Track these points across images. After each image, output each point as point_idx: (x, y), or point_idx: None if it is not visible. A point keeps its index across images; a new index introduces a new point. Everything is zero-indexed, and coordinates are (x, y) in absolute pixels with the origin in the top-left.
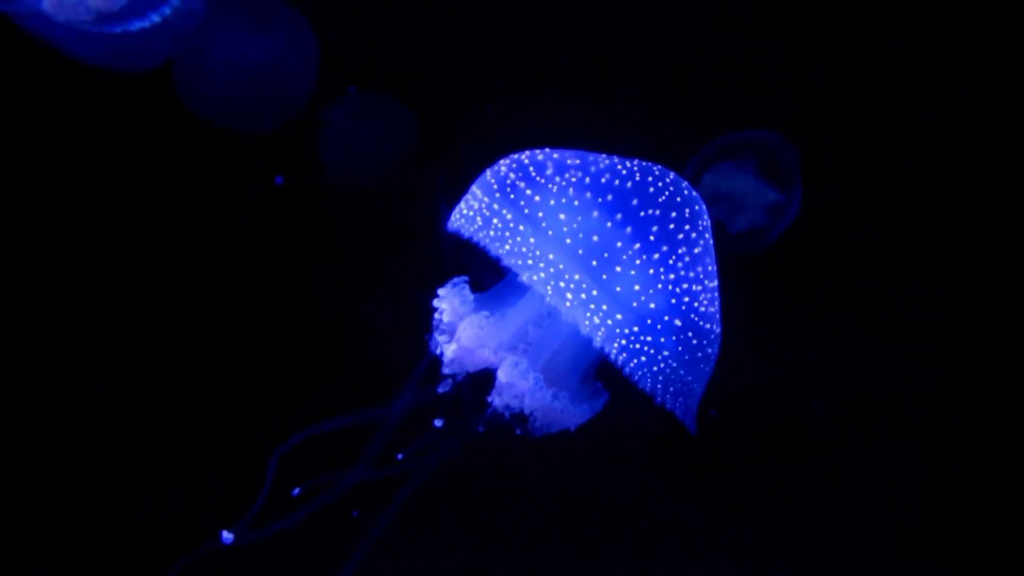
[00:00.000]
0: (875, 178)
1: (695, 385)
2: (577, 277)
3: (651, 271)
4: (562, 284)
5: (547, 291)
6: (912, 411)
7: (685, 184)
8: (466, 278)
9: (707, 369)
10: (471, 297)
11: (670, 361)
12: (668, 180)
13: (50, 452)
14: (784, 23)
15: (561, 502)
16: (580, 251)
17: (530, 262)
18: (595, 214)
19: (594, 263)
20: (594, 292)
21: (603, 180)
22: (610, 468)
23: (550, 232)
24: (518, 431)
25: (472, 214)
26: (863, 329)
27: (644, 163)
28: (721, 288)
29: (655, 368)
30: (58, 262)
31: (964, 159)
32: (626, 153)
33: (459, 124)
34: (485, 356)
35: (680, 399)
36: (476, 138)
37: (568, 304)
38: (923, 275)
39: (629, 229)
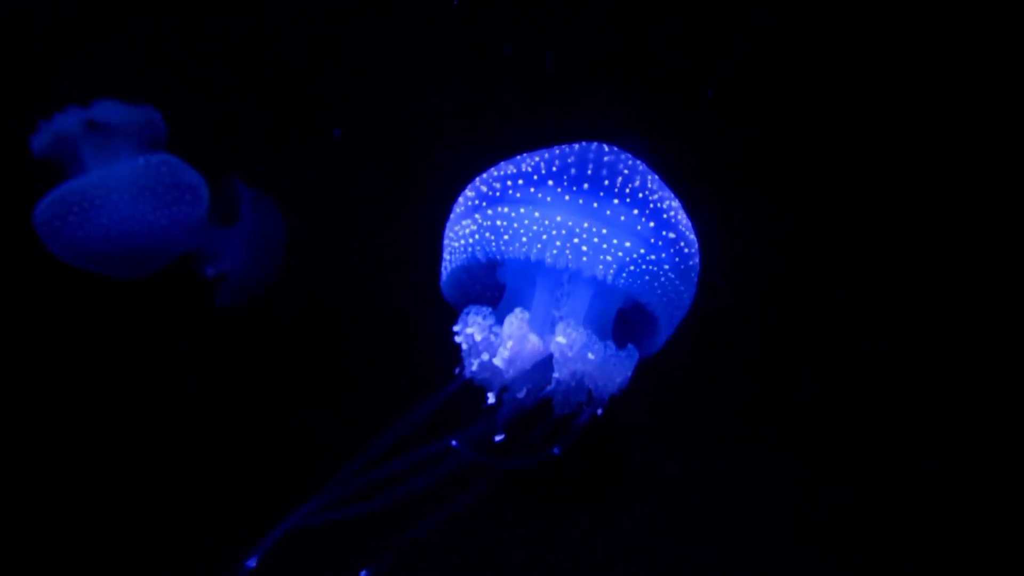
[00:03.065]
0: (864, 177)
1: (686, 297)
2: (586, 224)
3: (640, 195)
4: (576, 240)
5: (567, 256)
6: (912, 411)
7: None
8: (474, 305)
9: (694, 278)
10: (489, 311)
11: (670, 274)
12: (595, 144)
13: (51, 452)
14: (784, 22)
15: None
16: (580, 200)
17: (544, 236)
18: (573, 171)
19: (595, 204)
20: (604, 231)
21: (557, 152)
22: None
23: (548, 198)
24: (587, 408)
25: (470, 238)
26: (863, 329)
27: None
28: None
29: (660, 282)
30: (58, 262)
31: (964, 158)
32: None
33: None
34: (535, 343)
35: (675, 312)
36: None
37: (585, 256)
38: (916, 275)
39: (605, 171)
